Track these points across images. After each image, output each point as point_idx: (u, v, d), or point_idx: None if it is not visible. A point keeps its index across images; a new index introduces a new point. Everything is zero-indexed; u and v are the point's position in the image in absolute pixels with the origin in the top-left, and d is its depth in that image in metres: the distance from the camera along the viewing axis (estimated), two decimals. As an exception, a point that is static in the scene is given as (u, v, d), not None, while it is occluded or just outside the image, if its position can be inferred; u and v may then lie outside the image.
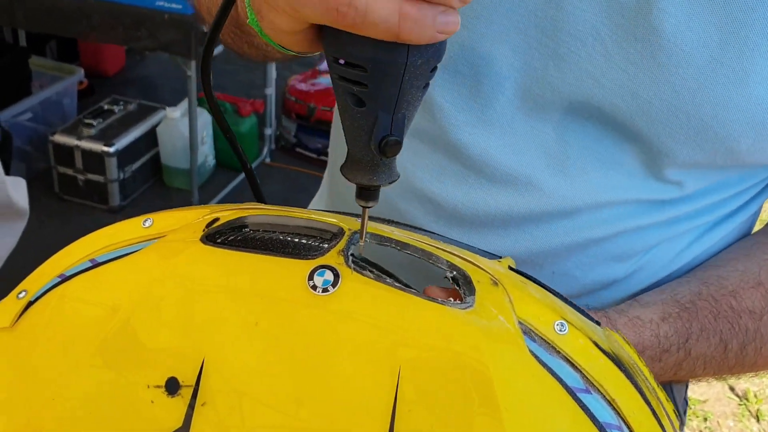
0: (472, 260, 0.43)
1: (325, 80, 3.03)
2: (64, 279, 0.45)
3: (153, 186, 2.75)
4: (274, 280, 0.40)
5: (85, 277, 0.44)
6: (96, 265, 0.44)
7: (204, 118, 2.68)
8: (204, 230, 0.43)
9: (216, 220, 0.45)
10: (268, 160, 3.01)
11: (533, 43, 0.54)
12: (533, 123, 0.57)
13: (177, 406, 0.39)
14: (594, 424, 0.39)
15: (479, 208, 0.59)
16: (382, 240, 0.44)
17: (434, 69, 0.36)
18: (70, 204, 2.61)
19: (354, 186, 0.41)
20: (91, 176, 2.55)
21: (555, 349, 0.40)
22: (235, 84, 3.21)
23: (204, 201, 2.63)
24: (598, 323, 0.45)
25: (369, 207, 0.41)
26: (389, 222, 0.48)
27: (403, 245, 0.43)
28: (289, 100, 3.00)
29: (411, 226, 0.48)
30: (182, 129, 2.57)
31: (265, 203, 0.51)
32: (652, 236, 0.60)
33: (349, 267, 0.40)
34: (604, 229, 0.59)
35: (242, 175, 2.82)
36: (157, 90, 3.34)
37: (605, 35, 0.52)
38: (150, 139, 2.68)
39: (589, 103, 0.54)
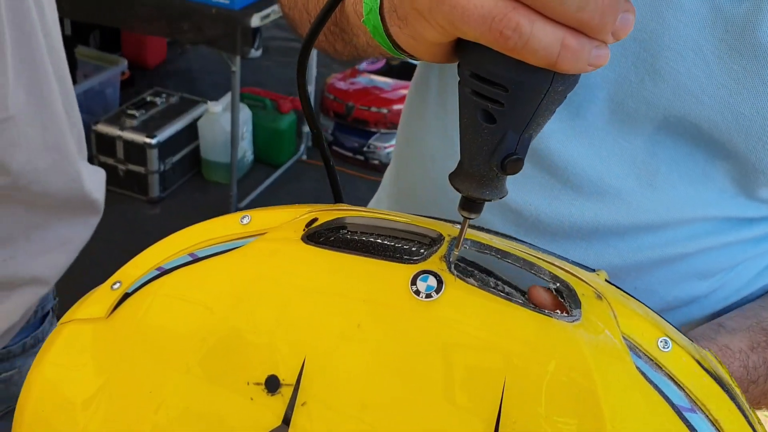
0: (573, 272, 0.43)
1: (363, 79, 3.04)
2: (163, 272, 0.45)
3: (192, 179, 2.77)
4: (376, 283, 0.40)
5: (185, 272, 0.44)
6: (196, 259, 0.44)
7: (245, 113, 2.69)
8: (304, 230, 0.44)
9: (315, 219, 0.45)
10: (304, 157, 3.02)
11: (630, 56, 0.53)
12: (624, 135, 0.56)
13: (277, 404, 0.39)
14: (700, 444, 0.38)
15: (563, 218, 0.59)
16: (482, 248, 0.43)
17: (567, 95, 0.36)
18: (110, 194, 2.60)
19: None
20: (132, 167, 2.58)
21: (659, 366, 0.40)
22: (274, 81, 3.23)
23: (242, 196, 2.65)
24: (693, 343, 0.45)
25: (471, 218, 0.41)
26: (486, 231, 0.48)
27: (503, 254, 0.43)
28: (327, 98, 3.00)
29: (507, 236, 0.47)
30: (223, 124, 2.59)
31: (342, 202, 0.51)
32: (738, 254, 0.59)
33: (453, 273, 0.40)
34: (690, 245, 0.58)
35: (279, 171, 2.84)
36: (197, 84, 3.37)
37: (707, 50, 0.51)
38: (191, 132, 2.70)
39: (685, 119, 0.53)
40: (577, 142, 0.57)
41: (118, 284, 0.47)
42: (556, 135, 0.57)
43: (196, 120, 2.70)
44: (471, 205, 0.40)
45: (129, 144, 2.56)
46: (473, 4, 0.33)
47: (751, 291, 0.62)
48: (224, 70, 2.41)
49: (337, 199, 0.55)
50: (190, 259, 0.45)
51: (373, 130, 2.94)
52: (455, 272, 0.40)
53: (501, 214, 0.61)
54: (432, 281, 0.40)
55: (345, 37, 0.55)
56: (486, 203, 0.41)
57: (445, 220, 0.47)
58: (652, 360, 0.40)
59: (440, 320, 0.39)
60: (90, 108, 2.77)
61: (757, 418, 0.42)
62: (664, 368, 0.40)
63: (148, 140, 2.53)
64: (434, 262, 0.41)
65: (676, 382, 0.39)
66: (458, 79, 0.38)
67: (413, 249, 0.43)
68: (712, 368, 0.41)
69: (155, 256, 0.46)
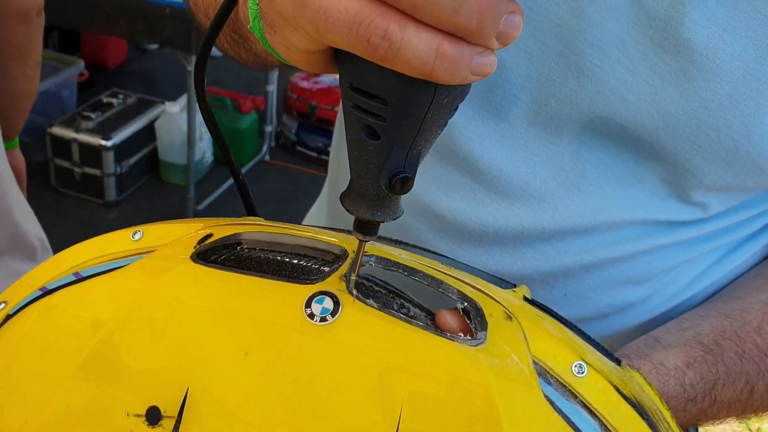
0: (484, 290, 0.40)
1: (328, 79, 3.00)
2: (47, 292, 0.41)
3: (149, 181, 2.71)
4: (268, 306, 0.37)
5: (68, 291, 0.41)
6: (80, 279, 0.41)
7: (204, 114, 2.64)
8: (195, 247, 0.40)
9: (209, 236, 0.41)
10: (267, 157, 2.98)
11: (552, 54, 0.50)
12: (548, 137, 0.53)
13: (159, 438, 0.36)
14: (612, 477, 0.36)
15: (488, 223, 0.56)
16: (388, 264, 0.41)
17: (457, 107, 0.33)
18: (66, 197, 2.57)
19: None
20: (87, 170, 2.52)
21: (572, 392, 0.37)
22: (236, 80, 3.18)
23: (200, 198, 2.60)
24: (618, 362, 0.42)
25: (366, 241, 0.38)
26: (397, 243, 0.45)
27: (411, 271, 0.40)
28: (290, 97, 2.96)
29: (420, 248, 0.44)
30: (181, 124, 2.54)
31: (255, 215, 0.48)
32: (671, 258, 0.57)
33: (351, 294, 0.37)
34: (620, 249, 0.56)
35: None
36: (158, 84, 3.31)
37: (631, 47, 0.49)
38: (148, 133, 2.64)
39: (611, 118, 0.51)
40: (499, 144, 0.54)
41: (3, 304, 0.43)
42: (477, 138, 0.54)
43: (153, 121, 2.64)
44: (365, 226, 0.37)
45: (84, 146, 2.49)
46: (336, 8, 0.29)
47: (688, 296, 0.60)
48: (184, 70, 2.36)
49: (250, 212, 0.51)
50: (74, 278, 0.41)
51: (337, 130, 2.91)
52: (354, 293, 0.37)
53: (425, 220, 0.58)
54: (328, 303, 0.37)
55: (245, 45, 0.52)
56: (405, 210, 0.37)
57: (393, 241, 0.44)
58: (565, 386, 0.37)
59: (334, 344, 0.36)
60: (46, 110, 2.70)
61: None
62: (577, 395, 0.37)
63: (103, 142, 2.47)
64: (333, 282, 0.38)
65: (590, 410, 0.37)
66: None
67: (313, 267, 0.40)
68: (632, 394, 0.39)
69: (42, 276, 0.43)
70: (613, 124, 0.52)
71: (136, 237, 0.43)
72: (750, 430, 2.07)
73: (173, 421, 0.36)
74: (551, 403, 0.36)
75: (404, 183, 0.34)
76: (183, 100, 2.56)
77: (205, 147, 2.71)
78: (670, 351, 0.52)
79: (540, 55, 0.51)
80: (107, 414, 0.37)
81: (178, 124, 2.55)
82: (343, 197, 0.37)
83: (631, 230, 0.56)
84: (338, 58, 0.33)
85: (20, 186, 0.98)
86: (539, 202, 0.55)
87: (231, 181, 2.75)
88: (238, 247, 0.42)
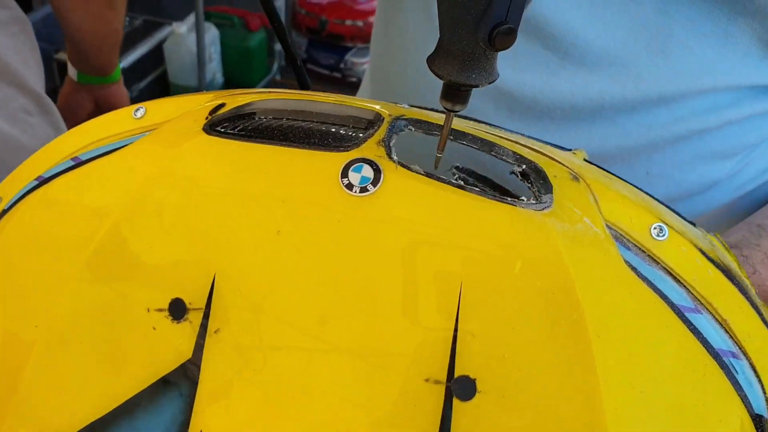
0: (543, 151, 0.35)
1: (337, -9, 2.88)
2: (43, 181, 0.37)
3: (162, 106, 2.65)
4: (298, 178, 0.32)
5: (67, 177, 0.36)
6: (79, 163, 0.36)
7: (212, 33, 2.56)
8: (207, 118, 0.35)
9: (221, 105, 0.36)
10: (278, 77, 2.89)
11: None
12: None
13: (184, 333, 0.32)
14: (707, 350, 0.31)
15: (564, 97, 0.50)
16: (429, 128, 0.35)
17: None
18: (76, 126, 2.52)
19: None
20: (97, 96, 2.45)
21: (654, 258, 0.32)
22: (242, -3, 3.06)
23: (215, 120, 2.54)
24: (694, 225, 0.37)
25: (456, 112, 0.32)
26: (434, 110, 0.40)
27: (457, 134, 0.35)
28: (299, 13, 2.85)
29: (468, 118, 0.39)
30: (190, 45, 2.45)
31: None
32: (762, 129, 0.51)
33: (393, 160, 0.32)
34: (708, 120, 0.50)
35: (253, 94, 2.71)
36: (164, 4, 3.20)
37: None
38: (157, 56, 2.56)
39: None
40: (575, 6, 0.48)
41: (-2, 201, 0.39)
42: (549, 0, 0.48)
43: (161, 43, 2.55)
44: (455, 93, 0.32)
45: (92, 72, 2.42)
46: None
47: None
48: (189, -12, 2.27)
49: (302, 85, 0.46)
50: (73, 163, 0.36)
51: (350, 45, 2.80)
52: (396, 158, 0.32)
53: (491, 99, 0.52)
54: (367, 171, 0.32)
55: None
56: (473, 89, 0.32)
57: (430, 109, 0.39)
58: (645, 251, 0.32)
59: (379, 218, 0.31)
60: (50, 36, 2.61)
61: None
62: (659, 260, 0.32)
63: (111, 67, 2.40)
64: (370, 148, 0.32)
65: (674, 277, 0.32)
66: None
67: (346, 134, 0.35)
68: (718, 258, 0.34)
69: (37, 165, 0.38)
70: None
71: (139, 114, 0.37)
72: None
73: (201, 314, 0.31)
74: (633, 269, 0.31)
75: (507, 35, 0.28)
76: (190, 19, 2.47)
77: (215, 68, 2.63)
78: None
79: None
80: (123, 313, 0.33)
81: (186, 45, 2.47)
82: (431, 60, 0.31)
83: (721, 97, 0.50)
84: None
85: None
86: (621, 69, 0.49)
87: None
88: (257, 116, 0.36)
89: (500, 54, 0.30)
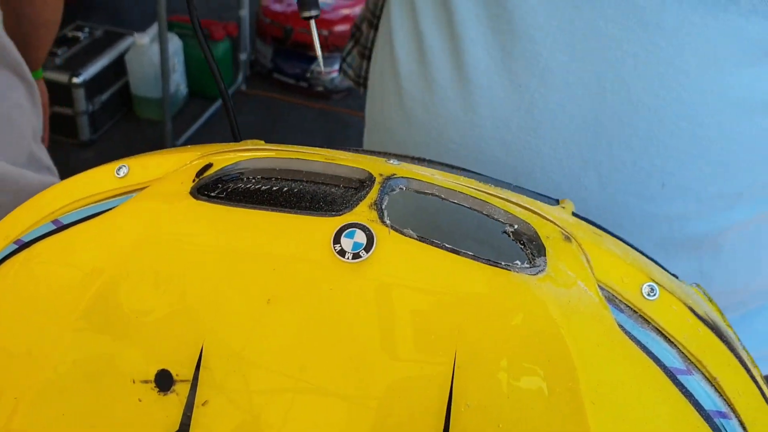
0: (534, 209, 0.35)
1: None
2: (23, 245, 0.36)
3: (124, 117, 2.60)
4: (289, 245, 0.32)
5: (50, 241, 0.35)
6: (61, 227, 0.35)
7: (175, 44, 2.52)
8: (194, 180, 0.34)
9: (209, 166, 0.35)
10: (243, 87, 2.87)
11: None
12: None
13: (171, 405, 0.31)
14: (699, 412, 0.31)
15: None
16: (421, 187, 0.35)
17: None
18: (37, 139, 2.47)
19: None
20: (58, 109, 2.41)
21: (646, 319, 0.32)
22: (205, 6, 3.04)
23: (178, 132, 2.50)
24: (676, 277, 0.37)
25: (313, 17, 0.42)
26: (421, 161, 0.39)
27: (449, 193, 0.35)
28: (264, 22, 2.83)
29: (451, 166, 0.39)
30: (152, 56, 2.42)
31: (239, 140, 0.43)
32: None
33: (386, 224, 0.32)
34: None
35: (217, 104, 2.69)
36: (125, 14, 3.15)
37: None
38: (119, 67, 2.52)
39: None
40: None
41: (-27, 262, 0.37)
42: None
43: (123, 54, 2.51)
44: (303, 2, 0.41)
45: (53, 85, 2.37)
46: None
47: None
48: (151, -2, 2.23)
49: (235, 137, 0.46)
50: (54, 227, 0.35)
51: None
52: (388, 222, 0.32)
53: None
54: (360, 236, 0.31)
55: None
56: None
57: (420, 159, 0.39)
58: (637, 311, 0.32)
59: (372, 285, 0.31)
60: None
61: (760, 372, 0.35)
62: (651, 320, 0.32)
63: (73, 79, 2.36)
64: (362, 212, 0.32)
65: (666, 337, 0.32)
66: None
67: (337, 194, 0.35)
68: (705, 314, 0.34)
69: (14, 226, 0.37)
70: None
71: (122, 173, 0.36)
72: None
73: (188, 386, 0.31)
74: (627, 333, 0.31)
75: None
76: (152, 30, 2.44)
77: (178, 79, 2.60)
78: None
79: None
80: (110, 382, 0.32)
81: (149, 56, 2.43)
82: None
83: None
84: None
85: (44, 119, 0.94)
86: None
87: (208, 113, 2.65)
88: (245, 178, 0.36)
89: None
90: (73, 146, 2.44)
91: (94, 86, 2.41)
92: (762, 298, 0.61)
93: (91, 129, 2.45)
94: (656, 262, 0.38)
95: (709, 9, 0.47)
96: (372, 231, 0.31)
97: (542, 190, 0.52)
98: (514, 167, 0.53)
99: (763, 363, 0.63)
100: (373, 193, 0.33)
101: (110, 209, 0.35)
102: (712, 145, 0.50)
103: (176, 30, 2.58)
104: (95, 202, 0.36)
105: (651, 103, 0.50)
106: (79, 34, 2.52)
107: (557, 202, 0.39)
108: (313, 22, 0.44)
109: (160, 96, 2.43)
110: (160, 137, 2.44)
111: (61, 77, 2.36)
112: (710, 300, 0.38)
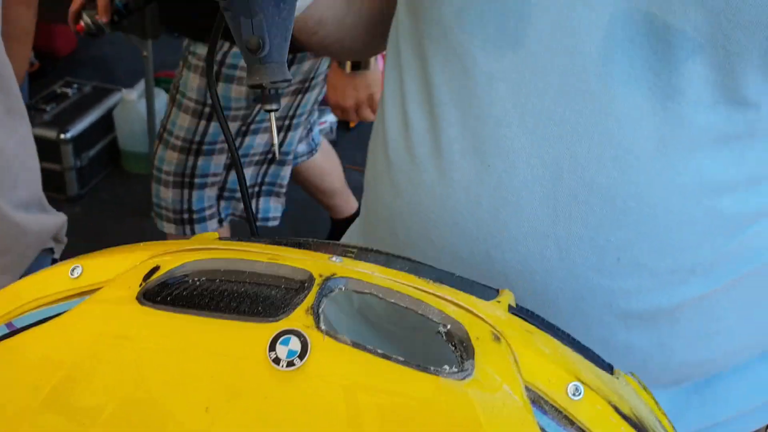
0: (467, 306, 0.36)
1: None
2: (-24, 347, 0.37)
3: (112, 172, 2.63)
4: (227, 352, 0.33)
5: (3, 346, 0.36)
6: (15, 331, 0.36)
7: (162, 99, 2.56)
8: (141, 285, 0.36)
9: (155, 269, 0.37)
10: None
11: None
12: None
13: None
14: None
15: None
16: (361, 287, 0.37)
17: None
18: (25, 194, 2.48)
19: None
20: (46, 165, 2.42)
21: (569, 419, 0.34)
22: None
23: (166, 186, 2.52)
24: (610, 368, 0.39)
25: (273, 110, 0.46)
26: (366, 252, 0.41)
27: (386, 292, 0.36)
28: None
29: (395, 256, 0.41)
30: (140, 111, 2.45)
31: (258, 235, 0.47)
32: None
33: (321, 330, 0.33)
34: None
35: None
36: (113, 71, 3.20)
37: None
38: (107, 123, 2.55)
39: None
40: None
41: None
42: None
43: (111, 110, 2.55)
44: (265, 95, 0.45)
45: (41, 141, 2.39)
46: None
47: None
48: (140, 56, 2.27)
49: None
50: (8, 330, 0.37)
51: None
52: (323, 328, 0.33)
53: None
54: (294, 344, 0.33)
55: None
56: None
57: (375, 252, 0.41)
58: (561, 412, 0.34)
59: (304, 393, 0.32)
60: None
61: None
62: (575, 420, 0.34)
63: (61, 135, 2.39)
64: (298, 317, 0.34)
65: (589, 437, 0.34)
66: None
67: (275, 298, 0.36)
68: (631, 412, 0.35)
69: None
70: None
71: (75, 274, 0.38)
72: None
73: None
74: (549, 436, 0.32)
75: (256, 43, 0.42)
76: (140, 86, 2.48)
77: (166, 133, 2.63)
78: None
79: None
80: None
81: (137, 111, 2.47)
82: (246, 79, 0.45)
83: None
84: None
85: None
86: None
87: (196, 166, 2.67)
88: (190, 280, 0.37)
89: None
90: (60, 202, 2.46)
91: (82, 142, 2.44)
92: (721, 368, 0.63)
93: (79, 184, 2.47)
94: (591, 353, 0.39)
95: (658, 98, 0.50)
96: (307, 337, 0.33)
97: (510, 262, 0.55)
98: (485, 239, 0.55)
99: (727, 426, 0.65)
100: (310, 297, 0.35)
101: (63, 312, 0.36)
102: (660, 223, 0.53)
103: (163, 85, 2.62)
104: (49, 303, 0.37)
105: (604, 183, 0.52)
106: (68, 91, 2.56)
107: (497, 292, 0.41)
108: (272, 115, 0.46)
109: (147, 151, 2.46)
110: (148, 192, 2.46)
111: (50, 133, 2.39)
112: (644, 389, 0.40)
